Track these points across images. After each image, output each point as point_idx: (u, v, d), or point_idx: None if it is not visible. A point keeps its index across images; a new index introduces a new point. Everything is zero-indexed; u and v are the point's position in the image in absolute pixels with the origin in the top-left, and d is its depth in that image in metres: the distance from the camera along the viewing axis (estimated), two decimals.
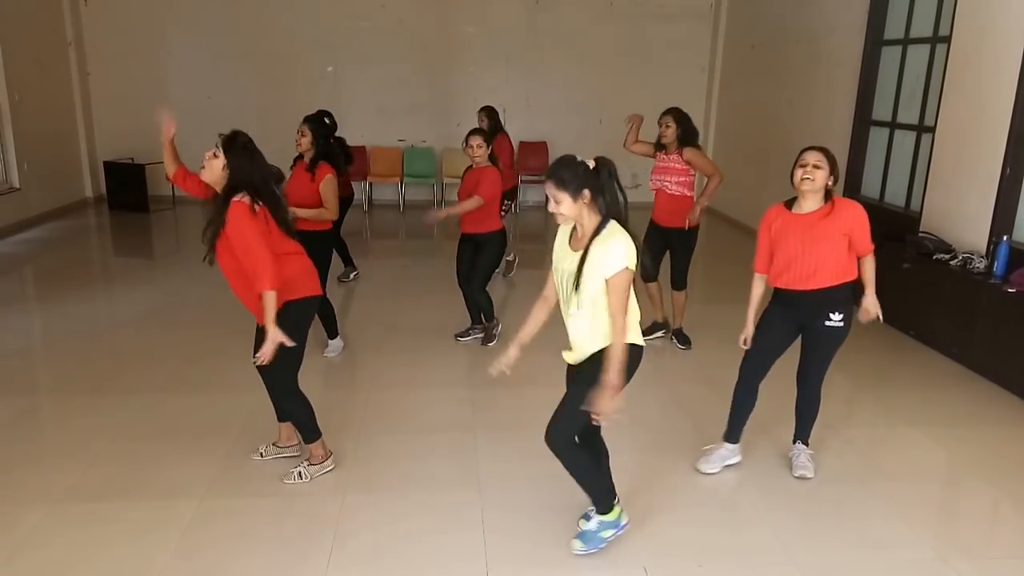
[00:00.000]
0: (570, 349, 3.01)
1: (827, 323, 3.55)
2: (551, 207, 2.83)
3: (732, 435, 3.84)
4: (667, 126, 5.24)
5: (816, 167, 3.41)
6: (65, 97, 10.08)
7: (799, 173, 3.44)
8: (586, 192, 2.79)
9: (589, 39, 10.79)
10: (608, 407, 2.78)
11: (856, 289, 3.59)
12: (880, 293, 3.64)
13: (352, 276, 7.17)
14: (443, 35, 10.67)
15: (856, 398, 4.90)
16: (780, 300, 3.65)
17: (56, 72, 9.87)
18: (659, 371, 5.22)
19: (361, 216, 10.23)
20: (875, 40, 7.11)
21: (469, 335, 5.60)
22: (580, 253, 2.84)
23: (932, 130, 6.14)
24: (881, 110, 7.13)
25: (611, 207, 2.84)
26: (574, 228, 2.94)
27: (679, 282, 5.51)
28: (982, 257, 5.36)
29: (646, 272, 5.51)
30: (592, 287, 2.81)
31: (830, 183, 3.46)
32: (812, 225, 3.47)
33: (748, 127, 9.85)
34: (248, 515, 3.36)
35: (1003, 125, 5.32)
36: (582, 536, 3.16)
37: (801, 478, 3.76)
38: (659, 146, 5.36)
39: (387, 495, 3.53)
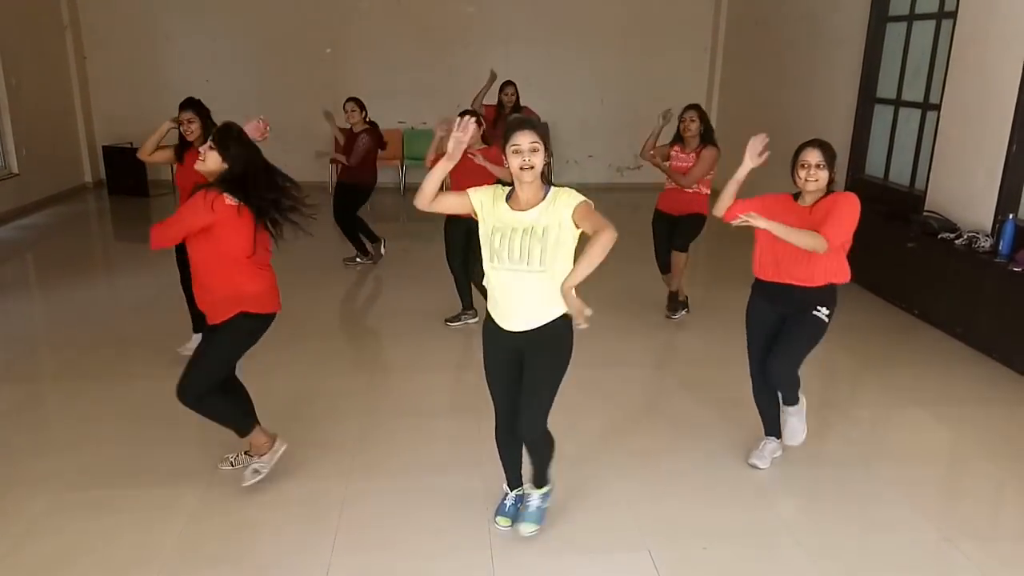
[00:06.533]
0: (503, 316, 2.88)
1: (814, 313, 3.41)
2: (524, 160, 2.69)
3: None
4: (691, 120, 5.23)
5: (819, 167, 3.26)
6: (62, 81, 10.01)
7: (802, 174, 3.29)
8: (549, 151, 2.77)
9: (590, 17, 10.66)
10: (578, 305, 2.60)
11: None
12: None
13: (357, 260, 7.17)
14: (443, 15, 10.55)
15: (860, 378, 4.89)
16: (764, 293, 3.50)
17: (53, 56, 9.79)
18: (665, 354, 5.21)
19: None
20: (880, 16, 7.02)
21: (460, 320, 5.53)
22: (536, 208, 2.75)
23: (937, 108, 6.08)
24: (886, 87, 7.05)
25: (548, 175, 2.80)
26: (511, 191, 2.83)
27: (681, 246, 5.47)
28: (987, 236, 5.32)
29: (662, 263, 5.52)
30: (555, 234, 2.71)
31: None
32: (805, 217, 3.31)
33: (751, 105, 9.77)
34: (253, 501, 3.36)
35: (1009, 102, 5.26)
36: (529, 517, 3.16)
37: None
38: (677, 138, 5.35)
39: (391, 480, 3.53)
